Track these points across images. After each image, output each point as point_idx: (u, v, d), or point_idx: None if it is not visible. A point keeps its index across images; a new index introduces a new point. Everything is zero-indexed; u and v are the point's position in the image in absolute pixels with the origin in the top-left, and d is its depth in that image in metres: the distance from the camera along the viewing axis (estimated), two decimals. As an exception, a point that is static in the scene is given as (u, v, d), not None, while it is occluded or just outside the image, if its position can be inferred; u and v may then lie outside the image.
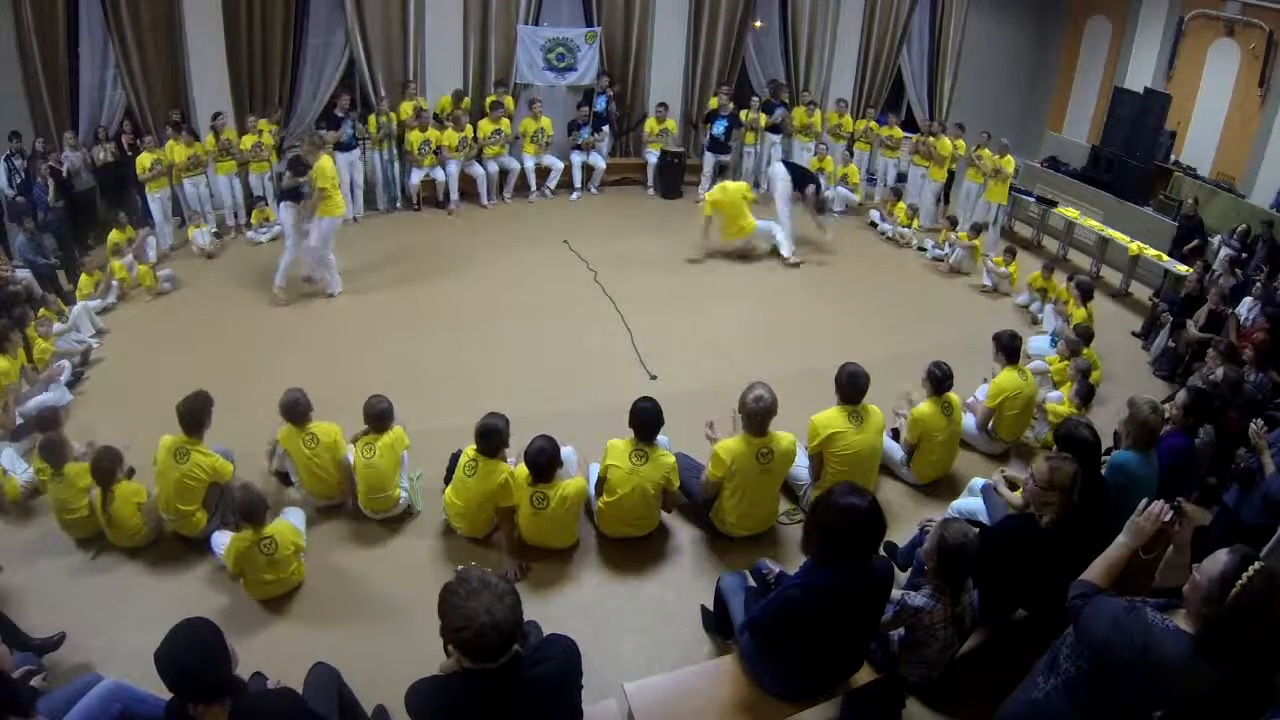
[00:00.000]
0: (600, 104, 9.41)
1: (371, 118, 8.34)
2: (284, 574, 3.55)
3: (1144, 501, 2.27)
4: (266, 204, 8.12)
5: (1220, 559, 1.94)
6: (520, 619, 1.90)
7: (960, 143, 8.64)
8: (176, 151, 7.47)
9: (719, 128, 9.27)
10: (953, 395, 4.42)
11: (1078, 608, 2.12)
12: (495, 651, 1.87)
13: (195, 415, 3.78)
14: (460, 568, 1.99)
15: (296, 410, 3.95)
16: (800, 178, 7.89)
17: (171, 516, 3.80)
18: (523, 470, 3.69)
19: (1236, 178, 8.86)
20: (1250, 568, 1.87)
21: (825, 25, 10.25)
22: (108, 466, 3.65)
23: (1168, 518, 2.25)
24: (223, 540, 3.59)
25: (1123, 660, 1.98)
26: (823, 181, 8.53)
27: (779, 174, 7.92)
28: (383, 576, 3.78)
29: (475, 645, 1.84)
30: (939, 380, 4.32)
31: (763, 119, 9.62)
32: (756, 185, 9.30)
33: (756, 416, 3.65)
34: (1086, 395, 5.08)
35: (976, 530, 2.92)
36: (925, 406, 4.33)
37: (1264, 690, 2.24)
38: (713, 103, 9.61)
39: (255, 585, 3.52)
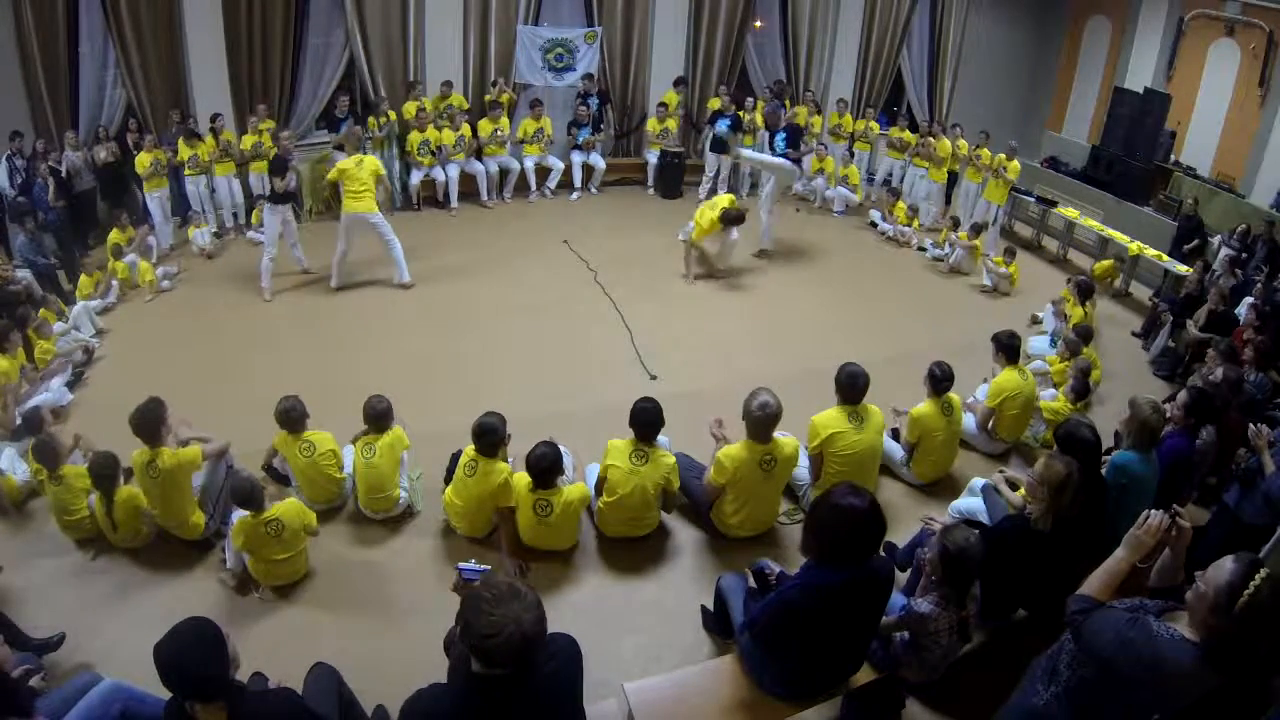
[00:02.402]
0: (591, 105, 9.41)
1: (371, 119, 8.33)
2: (293, 551, 3.55)
3: (1143, 515, 2.24)
4: (267, 204, 8.12)
5: (1226, 568, 1.93)
6: (545, 629, 1.88)
7: (962, 143, 8.64)
8: (191, 149, 7.53)
9: (722, 127, 9.26)
10: (953, 395, 4.42)
11: (1078, 623, 2.11)
12: (517, 660, 1.85)
13: (149, 424, 3.67)
14: (471, 568, 1.95)
15: (291, 418, 3.94)
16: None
17: (171, 526, 3.81)
18: (523, 477, 3.68)
19: (1236, 178, 8.86)
20: (1257, 576, 1.87)
21: (825, 25, 10.26)
22: (109, 472, 3.63)
23: (1166, 527, 2.24)
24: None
25: (1129, 672, 1.98)
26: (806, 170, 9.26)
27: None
28: (383, 576, 3.77)
29: (500, 653, 1.82)
30: (939, 380, 4.31)
31: (758, 117, 9.61)
32: (754, 186, 9.31)
33: (761, 424, 3.63)
34: (1082, 392, 5.09)
35: (978, 533, 2.92)
36: (925, 406, 4.33)
37: (1262, 692, 2.24)
38: (713, 103, 9.61)
39: (265, 565, 3.54)
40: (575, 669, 2.12)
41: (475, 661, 1.88)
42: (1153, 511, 2.21)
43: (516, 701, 1.92)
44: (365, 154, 6.80)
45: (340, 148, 8.06)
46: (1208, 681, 1.92)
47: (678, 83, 9.70)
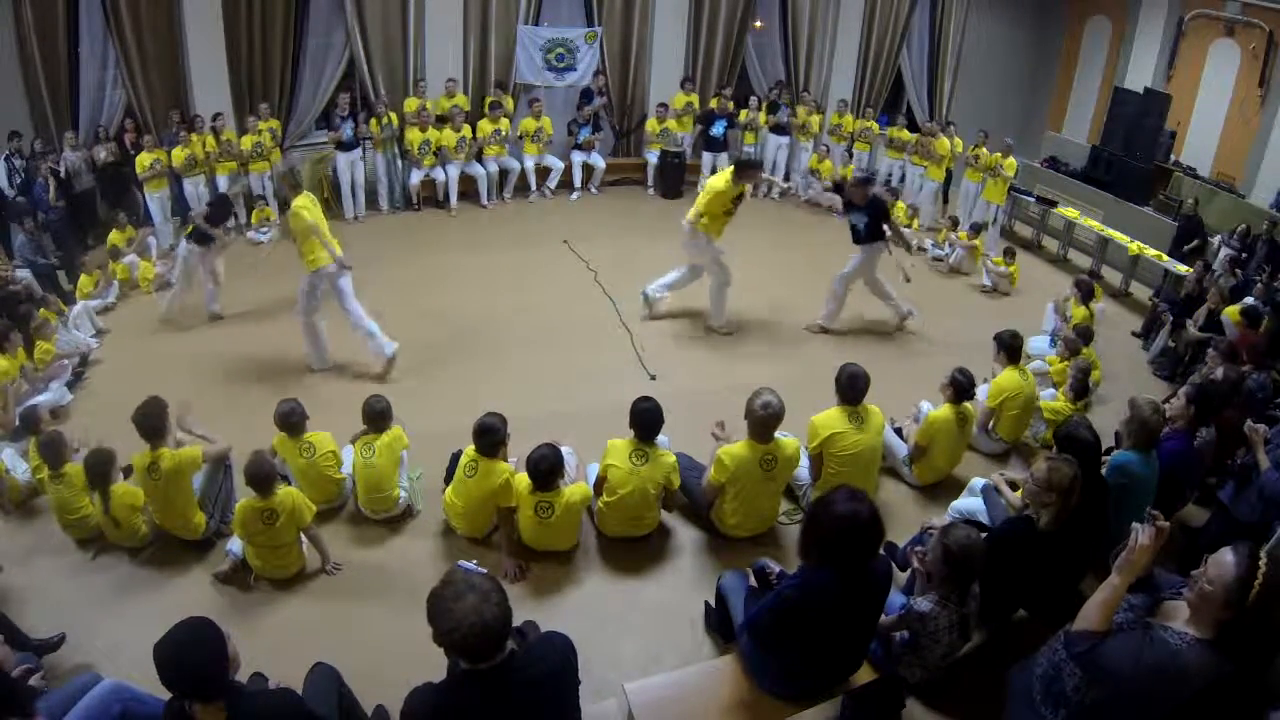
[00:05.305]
0: (596, 103, 9.42)
1: (374, 120, 8.34)
2: (284, 542, 3.56)
3: (1131, 535, 2.16)
4: (266, 203, 8.14)
5: (1228, 562, 1.93)
6: (509, 617, 1.91)
7: (958, 141, 8.65)
8: (187, 149, 7.52)
9: (718, 129, 9.28)
10: (969, 405, 4.40)
11: (1087, 659, 2.08)
12: (489, 651, 1.88)
13: (152, 422, 3.68)
14: (471, 568, 1.99)
15: (291, 422, 3.95)
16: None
17: (172, 526, 3.81)
18: (524, 478, 3.68)
19: (1236, 178, 8.85)
20: (1260, 563, 1.87)
21: (825, 25, 10.25)
22: (102, 468, 3.63)
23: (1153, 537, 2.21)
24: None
25: (1152, 690, 1.98)
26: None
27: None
28: (383, 577, 3.77)
29: (467, 646, 1.86)
30: (964, 388, 4.28)
31: (763, 117, 9.64)
32: (756, 188, 9.31)
33: (763, 423, 3.63)
34: (1081, 391, 5.09)
35: (983, 534, 2.91)
36: (943, 411, 4.31)
37: (1263, 683, 2.24)
38: (713, 103, 9.63)
39: (260, 554, 3.57)
40: (569, 668, 2.14)
41: (459, 658, 1.90)
42: (1136, 527, 2.15)
43: (506, 700, 1.93)
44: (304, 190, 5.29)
45: (341, 146, 8.08)
46: (1222, 670, 1.93)
47: (684, 82, 9.72)
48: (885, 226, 6.05)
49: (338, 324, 5.43)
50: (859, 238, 6.15)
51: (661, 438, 3.88)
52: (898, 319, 6.48)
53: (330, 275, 5.22)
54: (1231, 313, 5.70)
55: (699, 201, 5.96)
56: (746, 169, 5.95)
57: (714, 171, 9.28)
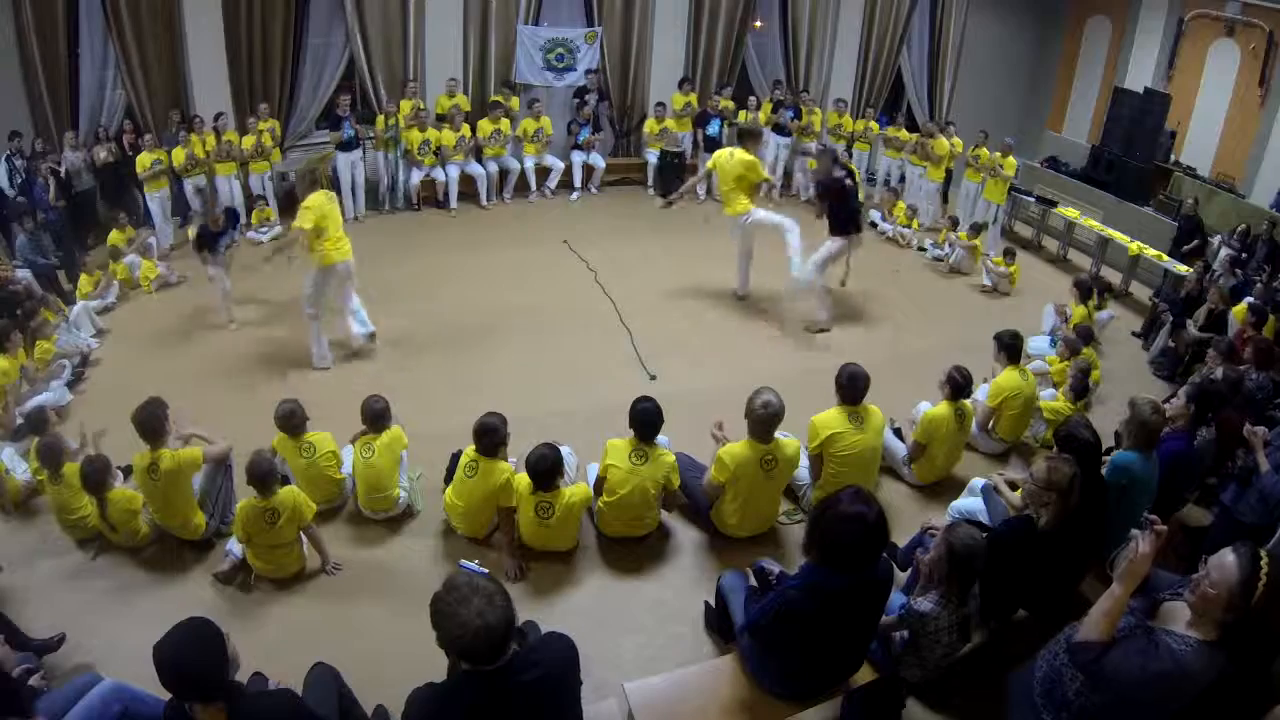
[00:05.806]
0: (590, 103, 9.43)
1: (379, 118, 8.34)
2: (285, 541, 3.57)
3: (1133, 544, 2.15)
4: (267, 204, 8.14)
5: (1230, 564, 1.92)
6: (513, 618, 1.91)
7: (957, 141, 8.65)
8: (186, 148, 7.50)
9: (713, 128, 9.29)
10: (967, 403, 4.40)
11: (1092, 670, 2.07)
12: (494, 653, 1.89)
13: (152, 423, 3.68)
14: (472, 567, 2.00)
15: (292, 422, 3.95)
16: None
17: (172, 526, 3.82)
18: (524, 478, 3.68)
19: (1236, 178, 8.85)
20: (1262, 563, 1.87)
21: (825, 25, 10.26)
22: (97, 476, 3.62)
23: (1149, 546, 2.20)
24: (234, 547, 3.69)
25: (1157, 696, 1.98)
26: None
27: None
28: (383, 576, 3.78)
29: (474, 649, 1.86)
30: (960, 386, 4.29)
31: (763, 116, 9.63)
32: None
33: (763, 423, 3.63)
34: (1081, 391, 5.09)
35: (985, 534, 2.91)
36: (940, 408, 4.31)
37: (1264, 681, 2.24)
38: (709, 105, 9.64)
39: (260, 554, 3.58)
40: (570, 669, 2.14)
41: (461, 661, 1.90)
42: (1135, 534, 2.15)
43: (507, 701, 1.94)
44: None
45: (341, 146, 8.08)
46: (1225, 671, 1.93)
47: (682, 83, 9.73)
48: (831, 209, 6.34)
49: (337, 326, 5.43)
50: (834, 228, 6.32)
51: (661, 438, 3.88)
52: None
53: (339, 272, 5.32)
54: (1239, 312, 5.70)
55: (732, 184, 6.19)
56: (750, 136, 6.36)
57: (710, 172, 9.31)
